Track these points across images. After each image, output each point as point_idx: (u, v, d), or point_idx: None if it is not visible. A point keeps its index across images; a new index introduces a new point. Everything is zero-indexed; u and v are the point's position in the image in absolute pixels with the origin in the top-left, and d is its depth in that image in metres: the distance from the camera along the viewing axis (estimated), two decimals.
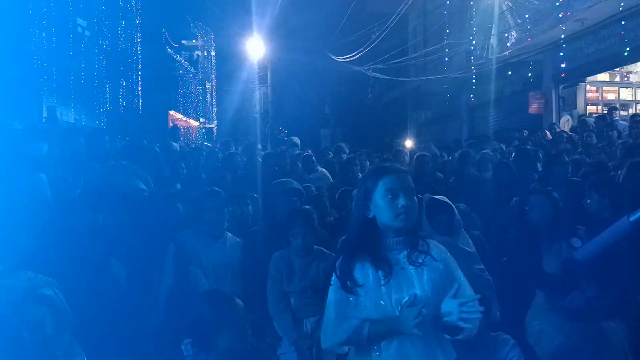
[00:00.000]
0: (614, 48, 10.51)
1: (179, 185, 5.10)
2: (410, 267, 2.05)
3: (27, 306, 2.10)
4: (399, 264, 2.05)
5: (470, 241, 3.41)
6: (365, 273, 2.03)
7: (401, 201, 2.02)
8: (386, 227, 2.07)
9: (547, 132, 9.98)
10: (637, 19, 9.91)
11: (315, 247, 3.51)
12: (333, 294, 2.09)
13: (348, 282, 2.03)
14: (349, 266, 2.05)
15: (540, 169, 5.72)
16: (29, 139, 4.12)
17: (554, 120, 12.21)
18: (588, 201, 3.77)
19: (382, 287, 2.01)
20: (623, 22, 9.69)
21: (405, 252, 2.07)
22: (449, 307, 1.96)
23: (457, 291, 1.98)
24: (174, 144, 8.16)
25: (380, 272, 2.02)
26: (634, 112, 12.10)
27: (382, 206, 2.05)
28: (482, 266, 3.41)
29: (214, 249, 3.61)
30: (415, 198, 2.08)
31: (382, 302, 2.01)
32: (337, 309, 2.06)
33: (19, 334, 2.01)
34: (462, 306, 1.92)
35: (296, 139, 9.20)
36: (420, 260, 2.05)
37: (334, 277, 2.09)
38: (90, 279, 2.97)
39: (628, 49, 9.88)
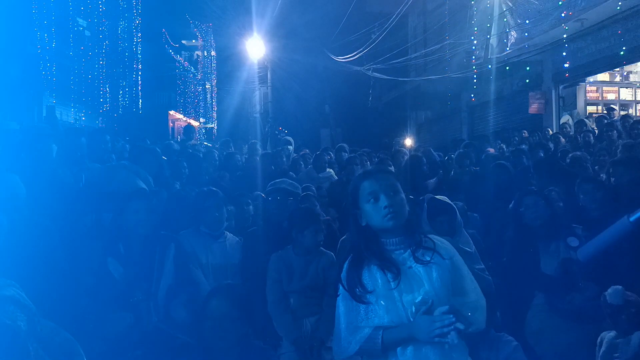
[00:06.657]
0: (614, 48, 10.51)
1: (178, 185, 5.09)
2: (418, 265, 2.02)
3: None
4: (405, 263, 2.03)
5: (471, 241, 3.40)
6: (373, 278, 2.01)
7: (383, 202, 2.02)
8: (380, 230, 2.07)
9: (553, 131, 9.94)
10: (637, 19, 9.91)
11: None
12: (342, 304, 2.07)
13: (357, 291, 2.01)
14: (356, 274, 2.03)
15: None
16: (37, 138, 4.04)
17: (554, 121, 12.21)
18: (581, 197, 3.80)
19: (393, 291, 1.98)
20: (624, 22, 9.68)
21: (409, 251, 2.05)
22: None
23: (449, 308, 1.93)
24: (174, 144, 8.16)
25: (388, 275, 2.00)
26: (633, 112, 12.11)
27: (368, 210, 2.06)
28: (482, 266, 3.41)
29: (214, 249, 3.60)
30: (402, 195, 2.07)
31: (393, 304, 1.98)
32: (347, 319, 2.04)
33: None
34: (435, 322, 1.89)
35: (289, 139, 9.25)
36: (428, 258, 2.03)
37: (341, 289, 2.06)
38: (90, 279, 2.97)
39: (625, 48, 9.88)
